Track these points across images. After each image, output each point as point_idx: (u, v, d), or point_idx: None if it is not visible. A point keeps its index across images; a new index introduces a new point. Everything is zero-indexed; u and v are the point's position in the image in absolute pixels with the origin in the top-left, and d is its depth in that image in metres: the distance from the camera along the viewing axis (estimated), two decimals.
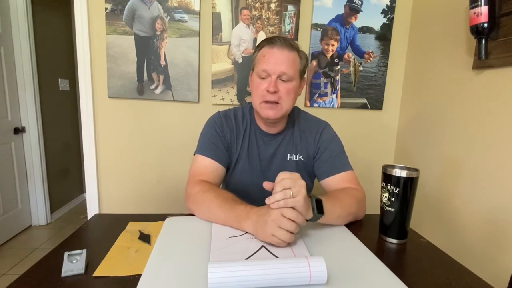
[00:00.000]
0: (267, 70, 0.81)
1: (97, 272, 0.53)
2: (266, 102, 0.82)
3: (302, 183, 0.62)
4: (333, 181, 0.88)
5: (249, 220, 0.66)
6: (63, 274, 0.52)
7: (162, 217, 0.77)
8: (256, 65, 0.85)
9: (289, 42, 0.82)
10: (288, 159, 0.93)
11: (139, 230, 0.70)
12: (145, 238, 0.66)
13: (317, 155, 0.92)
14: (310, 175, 0.96)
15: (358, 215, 0.81)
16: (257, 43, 1.46)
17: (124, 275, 0.52)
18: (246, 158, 0.92)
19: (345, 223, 0.77)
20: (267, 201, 0.62)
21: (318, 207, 0.66)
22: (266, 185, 0.65)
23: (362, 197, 0.83)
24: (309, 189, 0.99)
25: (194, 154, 0.90)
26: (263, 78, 0.83)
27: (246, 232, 0.68)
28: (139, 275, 0.52)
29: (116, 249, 0.61)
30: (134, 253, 0.60)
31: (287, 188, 0.61)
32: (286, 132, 0.93)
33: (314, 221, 0.67)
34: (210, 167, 0.86)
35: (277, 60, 0.80)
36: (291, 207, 0.60)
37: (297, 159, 0.93)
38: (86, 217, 1.64)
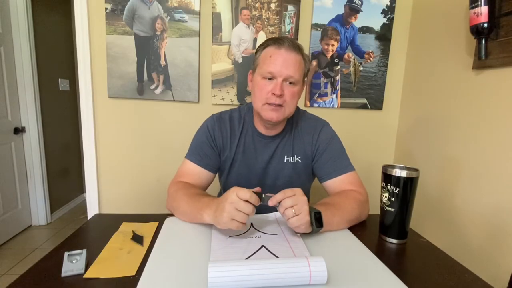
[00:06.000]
0: (274, 72, 0.78)
1: (88, 274, 0.52)
2: (269, 104, 0.80)
3: (304, 199, 0.63)
4: (335, 184, 0.86)
5: (209, 210, 0.67)
6: (63, 274, 0.52)
7: (160, 217, 0.77)
8: (260, 64, 0.81)
9: (297, 44, 0.80)
10: (285, 160, 0.91)
11: (133, 231, 0.69)
12: (137, 239, 0.66)
13: (316, 156, 0.90)
14: (308, 176, 0.94)
15: (361, 218, 0.80)
16: (257, 43, 1.49)
17: (115, 277, 0.52)
18: (242, 161, 0.91)
19: (348, 227, 0.76)
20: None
21: (317, 220, 0.66)
22: (272, 202, 0.65)
23: (365, 200, 0.82)
24: (307, 190, 0.99)
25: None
26: (267, 79, 0.80)
27: (246, 231, 0.68)
28: (134, 276, 0.52)
29: (108, 250, 0.61)
30: (126, 254, 0.59)
31: (289, 207, 0.61)
32: (284, 133, 0.91)
33: (313, 233, 0.67)
34: (193, 170, 0.88)
35: (284, 63, 0.77)
36: (246, 200, 0.60)
37: (294, 161, 0.91)
38: (86, 217, 1.64)
